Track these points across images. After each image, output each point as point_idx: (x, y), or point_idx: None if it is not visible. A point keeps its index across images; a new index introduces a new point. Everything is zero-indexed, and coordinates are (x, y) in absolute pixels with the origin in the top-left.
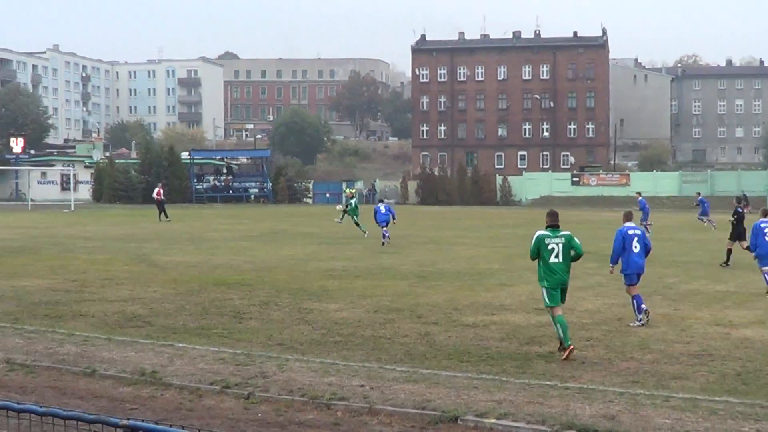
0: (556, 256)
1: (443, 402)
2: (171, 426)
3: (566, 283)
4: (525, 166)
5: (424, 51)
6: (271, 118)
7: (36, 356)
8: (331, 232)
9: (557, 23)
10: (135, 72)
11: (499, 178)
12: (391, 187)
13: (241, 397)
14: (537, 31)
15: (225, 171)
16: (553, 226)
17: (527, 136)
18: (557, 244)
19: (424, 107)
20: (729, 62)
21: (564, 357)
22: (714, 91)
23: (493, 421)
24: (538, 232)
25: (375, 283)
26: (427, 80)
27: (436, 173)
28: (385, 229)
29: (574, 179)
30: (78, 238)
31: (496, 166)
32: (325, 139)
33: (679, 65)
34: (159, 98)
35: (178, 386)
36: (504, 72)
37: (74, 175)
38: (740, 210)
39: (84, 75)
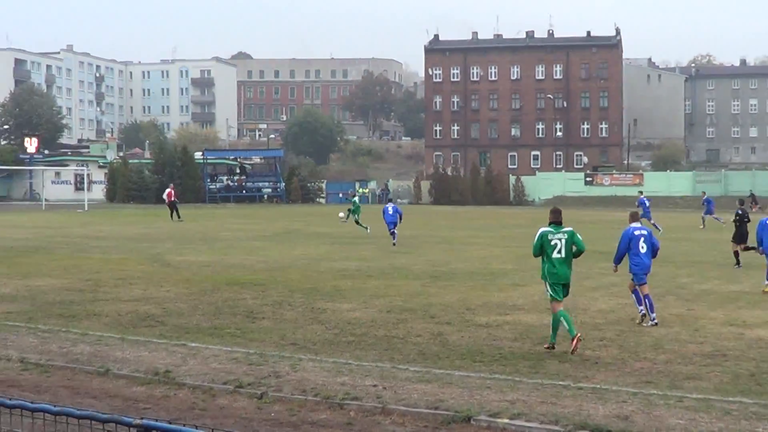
0: (559, 252)
1: (456, 402)
2: (184, 425)
3: (568, 278)
4: (538, 166)
5: (437, 51)
6: (285, 118)
7: (50, 356)
8: (344, 232)
9: (570, 23)
10: (149, 72)
11: (512, 178)
12: (404, 187)
13: (255, 397)
14: (550, 31)
15: (238, 171)
16: (556, 222)
17: (540, 135)
18: (560, 240)
19: (438, 107)
20: (743, 62)
21: (572, 350)
22: (728, 91)
23: (506, 421)
24: (542, 229)
25: (388, 283)
26: (441, 80)
27: (449, 173)
28: (393, 231)
29: (588, 179)
30: (92, 238)
31: (509, 166)
32: (338, 139)
33: (693, 65)
34: (172, 98)
35: (191, 386)
36: (517, 72)
37: (88, 175)
38: (740, 212)
39: (98, 75)
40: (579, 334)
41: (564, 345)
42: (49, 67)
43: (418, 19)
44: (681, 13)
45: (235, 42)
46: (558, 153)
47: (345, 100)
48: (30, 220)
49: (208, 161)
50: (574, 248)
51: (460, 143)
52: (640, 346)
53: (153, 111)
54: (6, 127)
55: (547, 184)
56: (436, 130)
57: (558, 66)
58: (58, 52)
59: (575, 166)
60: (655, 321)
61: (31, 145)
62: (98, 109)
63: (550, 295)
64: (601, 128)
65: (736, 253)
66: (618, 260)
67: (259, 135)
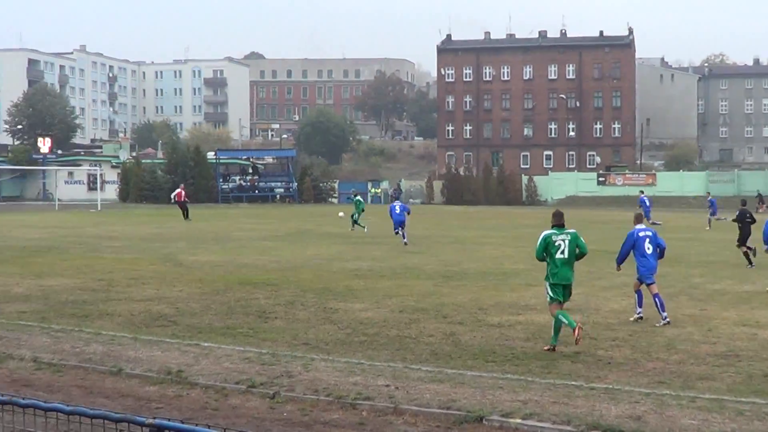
0: (562, 252)
1: (468, 402)
2: (197, 425)
3: (570, 279)
4: (551, 166)
5: (449, 51)
6: (297, 118)
7: (63, 355)
8: (356, 232)
9: (583, 23)
10: (161, 72)
11: (524, 178)
12: (416, 186)
13: (267, 397)
14: (563, 31)
15: (251, 171)
16: (559, 225)
17: (553, 135)
18: (564, 241)
19: (450, 107)
20: (756, 61)
21: (576, 340)
22: (741, 91)
23: (518, 421)
24: (545, 232)
25: (400, 282)
26: (453, 80)
27: (462, 173)
28: (403, 230)
29: (600, 179)
30: (104, 238)
31: (522, 166)
32: (351, 138)
33: (706, 64)
34: (185, 98)
35: (203, 385)
36: (530, 72)
37: (101, 175)
38: (738, 212)
39: (111, 75)
40: (579, 324)
41: (576, 346)
42: (62, 67)
43: (430, 19)
44: (694, 12)
45: (248, 42)
46: (571, 153)
47: (357, 100)
48: (43, 220)
49: (221, 161)
50: (577, 250)
51: (472, 143)
52: (652, 346)
53: (166, 111)
54: (19, 127)
55: (559, 184)
56: (448, 130)
57: (571, 66)
58: (71, 53)
59: (588, 166)
60: (667, 320)
61: (44, 145)
62: (111, 109)
63: (550, 296)
64: (614, 128)
65: (745, 254)
66: (621, 260)
67: (272, 135)
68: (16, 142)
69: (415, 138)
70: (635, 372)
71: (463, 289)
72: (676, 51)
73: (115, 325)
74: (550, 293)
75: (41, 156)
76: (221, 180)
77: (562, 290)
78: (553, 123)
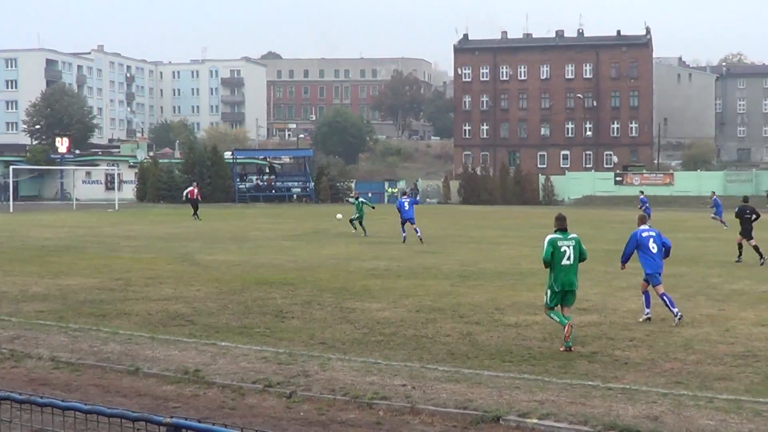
0: (568, 258)
1: (485, 402)
2: (214, 424)
3: (575, 285)
4: (568, 166)
5: (466, 50)
6: (314, 118)
7: (81, 354)
8: (373, 232)
9: (600, 22)
10: (179, 72)
11: (541, 178)
12: (433, 186)
13: (284, 396)
14: (580, 30)
15: (268, 171)
16: (563, 229)
17: (570, 135)
18: (569, 247)
19: (467, 106)
20: None
21: (564, 336)
22: (759, 90)
23: (535, 421)
24: (550, 236)
25: (417, 282)
26: (470, 79)
27: (479, 173)
28: (414, 226)
29: (617, 179)
30: (122, 238)
31: (539, 166)
32: (368, 138)
33: (724, 64)
34: (202, 98)
35: (220, 385)
36: (547, 71)
37: (118, 174)
38: (738, 208)
39: (128, 75)
40: (570, 322)
41: (593, 346)
42: (80, 67)
43: (447, 19)
44: (711, 11)
45: (265, 42)
46: (588, 152)
47: (374, 100)
48: (61, 220)
49: (238, 161)
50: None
51: (489, 143)
52: (670, 346)
53: (183, 111)
54: (37, 127)
55: (576, 184)
56: (465, 130)
57: (588, 65)
58: (89, 53)
59: (605, 166)
60: (680, 315)
61: (62, 145)
62: (128, 109)
63: (547, 302)
64: (631, 128)
65: (756, 247)
66: (624, 260)
67: (289, 135)
68: (34, 142)
69: (432, 138)
70: (652, 372)
71: (480, 288)
72: (694, 50)
73: (133, 324)
74: (549, 301)
75: (59, 156)
76: (238, 180)
77: (563, 297)
78: (570, 123)
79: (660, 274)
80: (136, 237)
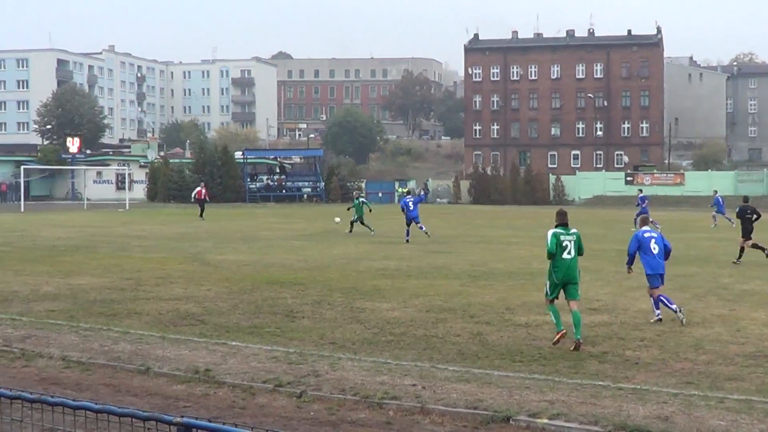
0: (569, 253)
1: (495, 402)
2: (224, 424)
3: (575, 278)
4: (578, 166)
5: (477, 50)
6: (324, 118)
7: (91, 354)
8: (383, 232)
9: (611, 21)
10: (189, 72)
11: (552, 178)
12: (443, 186)
13: (294, 396)
14: (591, 30)
15: (278, 170)
16: (564, 224)
17: (581, 135)
18: (570, 241)
19: (477, 106)
20: None
21: (554, 341)
22: None
23: (545, 421)
24: (552, 230)
25: (427, 282)
26: (480, 79)
27: (489, 172)
28: (420, 224)
29: (628, 178)
30: (133, 237)
31: (549, 166)
32: (378, 138)
33: (735, 63)
34: (213, 98)
35: (231, 384)
36: (557, 71)
37: (129, 174)
38: (739, 208)
39: (139, 75)
40: (564, 331)
41: (603, 346)
42: (91, 67)
43: (457, 19)
44: (722, 11)
45: (275, 42)
46: (598, 152)
47: (384, 100)
48: (72, 220)
49: (248, 161)
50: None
51: (499, 143)
52: (680, 346)
53: (193, 111)
54: (48, 127)
55: (587, 184)
56: (475, 130)
57: (598, 65)
58: (100, 53)
59: (615, 166)
60: (681, 310)
61: (73, 144)
62: (139, 109)
63: (547, 292)
64: (642, 127)
65: (760, 246)
66: (630, 262)
67: (299, 135)
68: (46, 142)
69: (443, 137)
70: (663, 372)
71: (490, 288)
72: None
73: (143, 323)
74: (549, 290)
75: (70, 156)
76: (249, 179)
77: (564, 288)
78: (580, 122)
79: (661, 276)
80: (147, 237)
